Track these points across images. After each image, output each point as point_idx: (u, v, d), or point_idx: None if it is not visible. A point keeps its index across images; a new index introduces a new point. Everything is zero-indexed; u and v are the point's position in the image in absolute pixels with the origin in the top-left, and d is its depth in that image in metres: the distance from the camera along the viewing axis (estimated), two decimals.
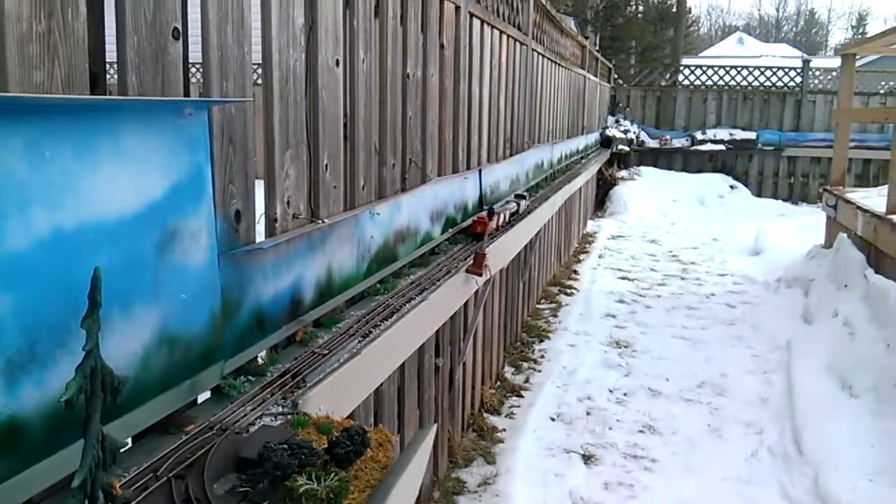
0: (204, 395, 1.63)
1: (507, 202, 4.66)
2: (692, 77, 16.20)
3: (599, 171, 13.26)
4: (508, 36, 4.78)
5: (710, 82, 15.96)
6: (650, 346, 6.09)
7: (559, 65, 7.40)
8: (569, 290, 7.74)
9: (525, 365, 5.51)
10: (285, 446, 1.25)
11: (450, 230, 3.44)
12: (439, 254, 3.26)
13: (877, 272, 5.48)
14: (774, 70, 15.60)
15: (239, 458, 1.31)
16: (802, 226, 10.39)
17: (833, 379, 4.76)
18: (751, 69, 15.78)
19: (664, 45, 31.02)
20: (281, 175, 1.96)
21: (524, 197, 5.06)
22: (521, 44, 5.31)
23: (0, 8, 1.10)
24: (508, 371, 5.35)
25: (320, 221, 2.14)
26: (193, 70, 2.19)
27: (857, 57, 12.34)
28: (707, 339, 6.32)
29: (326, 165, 2.21)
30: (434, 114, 3.29)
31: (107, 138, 1.28)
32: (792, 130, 15.27)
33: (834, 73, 14.93)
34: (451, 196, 3.45)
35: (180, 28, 1.50)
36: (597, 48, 20.66)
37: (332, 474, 1.18)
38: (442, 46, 3.34)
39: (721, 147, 15.39)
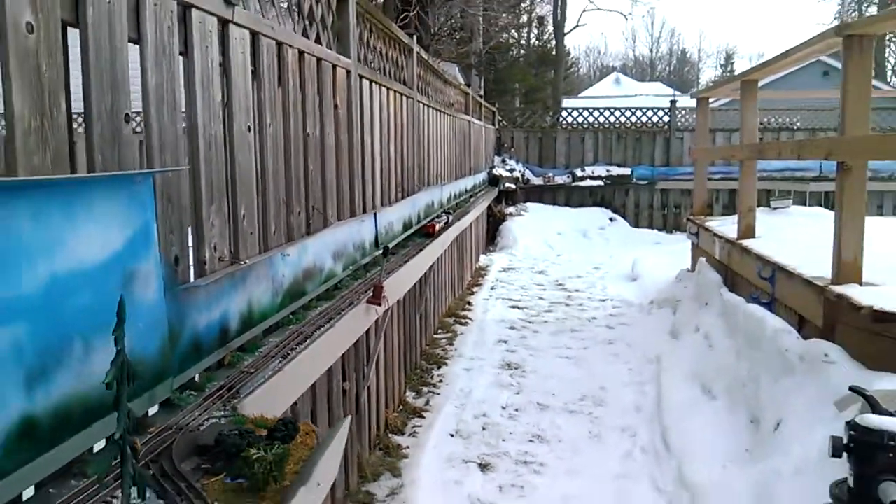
0: (153, 409, 1.99)
1: (438, 216, 6.95)
2: (570, 118, 17.24)
3: (489, 207, 13.96)
4: (395, 91, 5.28)
5: (587, 122, 17.02)
6: (538, 367, 6.64)
7: (444, 112, 7.99)
8: (463, 320, 8.25)
9: (425, 389, 5.94)
10: (236, 432, 1.65)
11: (410, 230, 5.71)
12: (342, 288, 3.68)
13: (731, 290, 6.22)
14: (644, 110, 16.83)
15: (198, 445, 1.69)
16: (673, 252, 11.29)
17: (695, 385, 5.41)
18: (622, 110, 16.95)
19: (546, 86, 32.62)
20: (207, 225, 2.35)
21: (449, 213, 7.45)
22: (408, 97, 5.83)
23: (12, 112, 1.48)
24: (410, 395, 5.76)
25: (241, 263, 2.54)
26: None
27: (715, 99, 13.55)
28: (589, 357, 6.94)
29: (244, 216, 2.61)
30: (332, 166, 3.73)
31: (81, 205, 1.66)
32: (663, 165, 16.46)
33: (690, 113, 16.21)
34: (350, 237, 3.89)
35: (131, 113, 1.89)
36: (481, 92, 21.57)
37: (276, 445, 1.58)
38: (336, 106, 3.79)
39: (599, 182, 16.43)
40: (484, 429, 5.24)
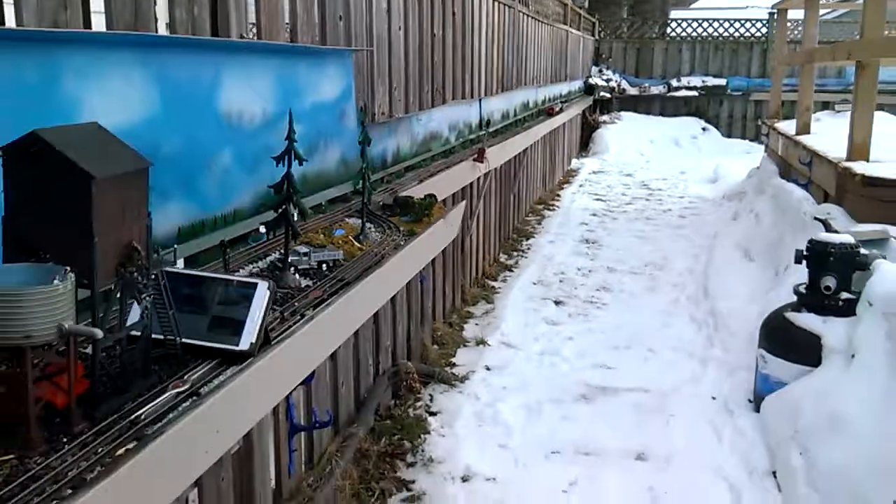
0: (349, 191, 3.35)
1: (555, 104, 9.80)
2: (677, 30, 17.65)
3: (583, 115, 14.89)
4: (500, 2, 6.42)
5: (693, 34, 17.40)
6: (612, 243, 7.84)
7: (542, 22, 9.02)
8: (552, 207, 9.48)
9: (515, 254, 7.26)
10: (402, 197, 2.98)
11: (532, 111, 8.31)
12: (455, 153, 4.97)
13: (783, 178, 7.20)
14: (742, 22, 17.14)
15: (383, 204, 3.04)
16: (757, 159, 12.06)
17: (740, 252, 6.51)
18: (720, 21, 17.29)
19: None
20: (377, 90, 3.66)
21: (564, 102, 10.37)
22: (510, 7, 6.95)
23: (295, 10, 2.80)
24: (503, 257, 7.09)
25: (393, 118, 3.85)
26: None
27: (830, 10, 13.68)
28: (658, 237, 8.08)
29: (395, 87, 3.91)
30: (450, 59, 4.97)
31: (324, 64, 2.98)
32: (759, 77, 16.83)
33: (799, 24, 16.36)
34: (461, 115, 5.16)
35: (342, 14, 3.19)
36: (584, 3, 21.98)
37: (427, 199, 2.91)
38: (454, 14, 5.00)
39: (694, 93, 16.99)
40: (561, 281, 6.53)
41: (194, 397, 1.37)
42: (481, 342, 4.95)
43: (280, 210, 2.01)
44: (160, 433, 1.24)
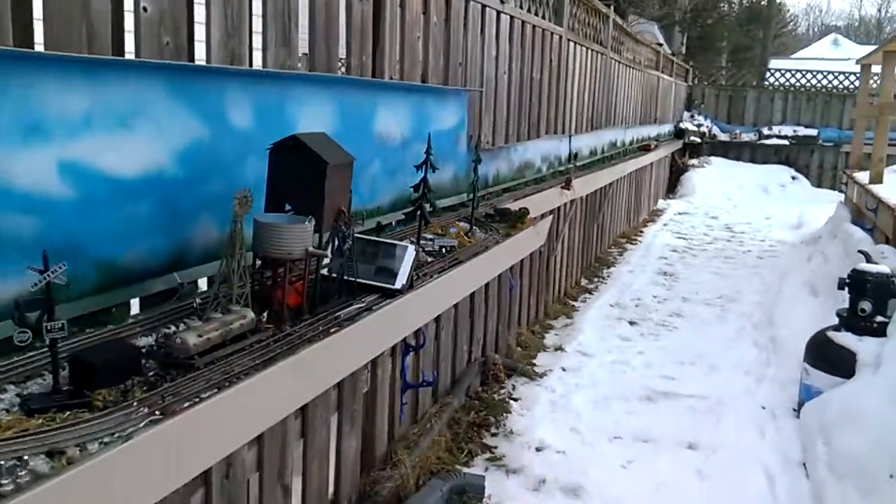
0: (463, 200, 4.10)
1: (650, 142, 11.29)
2: (772, 79, 18.03)
3: (672, 158, 15.37)
4: (592, 50, 7.14)
5: (787, 84, 17.73)
6: (689, 276, 8.36)
7: (633, 68, 9.69)
8: (634, 242, 10.05)
9: (595, 279, 7.89)
10: (501, 208, 3.72)
11: (619, 150, 9.17)
12: (545, 181, 5.69)
13: (853, 223, 7.61)
14: (836, 74, 17.34)
15: (486, 213, 3.78)
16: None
17: (807, 288, 6.97)
18: (813, 72, 17.55)
19: (755, 45, 32.26)
20: (484, 122, 4.42)
21: (659, 140, 11.23)
22: (602, 54, 7.66)
23: (427, 59, 3.59)
24: (584, 281, 7.73)
25: (495, 146, 4.61)
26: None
27: None
28: (734, 274, 8.55)
29: (497, 120, 4.67)
30: (545, 99, 5.71)
31: (444, 100, 3.76)
32: (850, 128, 16.94)
33: None
34: (552, 149, 5.88)
35: (461, 61, 3.98)
36: (682, 50, 22.47)
37: (521, 210, 3.63)
38: (551, 61, 5.75)
39: (785, 142, 17.23)
40: (637, 305, 7.11)
41: (369, 310, 2.13)
42: (559, 348, 5.61)
43: (416, 204, 2.77)
44: (353, 322, 2.00)
